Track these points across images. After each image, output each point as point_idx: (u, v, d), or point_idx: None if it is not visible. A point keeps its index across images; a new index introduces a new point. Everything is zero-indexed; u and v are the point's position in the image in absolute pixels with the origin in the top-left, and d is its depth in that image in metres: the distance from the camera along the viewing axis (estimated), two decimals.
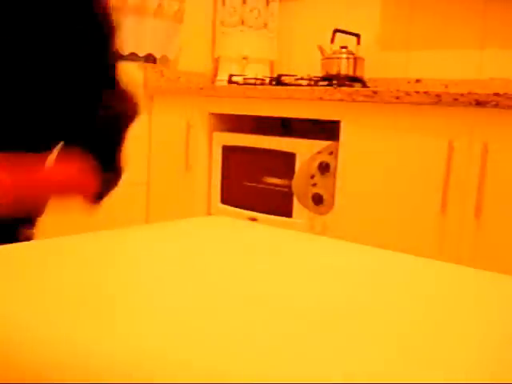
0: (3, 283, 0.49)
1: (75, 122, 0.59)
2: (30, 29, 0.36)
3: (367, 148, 1.84)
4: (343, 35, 2.31)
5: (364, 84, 2.24)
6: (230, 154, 2.25)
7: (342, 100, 1.86)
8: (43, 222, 0.97)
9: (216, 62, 2.67)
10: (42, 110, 0.47)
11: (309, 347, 0.42)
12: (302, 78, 2.18)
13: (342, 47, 2.27)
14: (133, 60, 2.36)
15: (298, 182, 2.03)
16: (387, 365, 0.40)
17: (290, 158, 2.04)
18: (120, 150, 0.78)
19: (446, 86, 2.21)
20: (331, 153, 1.94)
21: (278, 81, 2.22)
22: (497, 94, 1.57)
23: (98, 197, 0.74)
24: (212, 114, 2.29)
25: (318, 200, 1.99)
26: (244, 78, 2.33)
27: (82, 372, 0.37)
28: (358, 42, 2.35)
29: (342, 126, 1.89)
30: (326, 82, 2.09)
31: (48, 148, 0.59)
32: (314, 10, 2.58)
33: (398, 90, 1.75)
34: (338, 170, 1.91)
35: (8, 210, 0.56)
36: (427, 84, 2.26)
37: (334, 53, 2.27)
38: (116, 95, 0.71)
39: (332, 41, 2.29)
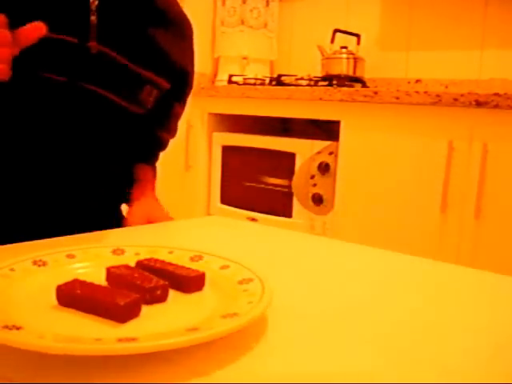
0: None
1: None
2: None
3: (367, 148, 1.84)
4: (343, 35, 2.31)
5: (364, 84, 2.24)
6: (229, 153, 2.25)
7: (341, 100, 1.87)
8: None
9: (216, 61, 2.67)
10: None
11: (309, 347, 0.43)
12: (302, 78, 2.18)
13: (342, 47, 2.27)
14: None
15: (297, 182, 2.04)
16: (386, 365, 0.40)
17: (289, 157, 2.05)
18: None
19: (446, 87, 2.21)
20: (331, 153, 1.94)
21: (277, 81, 2.22)
22: (497, 94, 1.58)
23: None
24: (212, 113, 2.29)
25: (318, 200, 1.99)
26: (244, 78, 2.33)
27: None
28: (358, 42, 2.35)
29: (342, 126, 1.89)
30: (326, 82, 2.09)
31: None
32: (314, 9, 2.58)
33: (398, 90, 1.75)
34: (338, 169, 1.91)
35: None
36: (427, 84, 2.26)
37: (334, 53, 2.27)
38: None
39: (332, 41, 2.29)
